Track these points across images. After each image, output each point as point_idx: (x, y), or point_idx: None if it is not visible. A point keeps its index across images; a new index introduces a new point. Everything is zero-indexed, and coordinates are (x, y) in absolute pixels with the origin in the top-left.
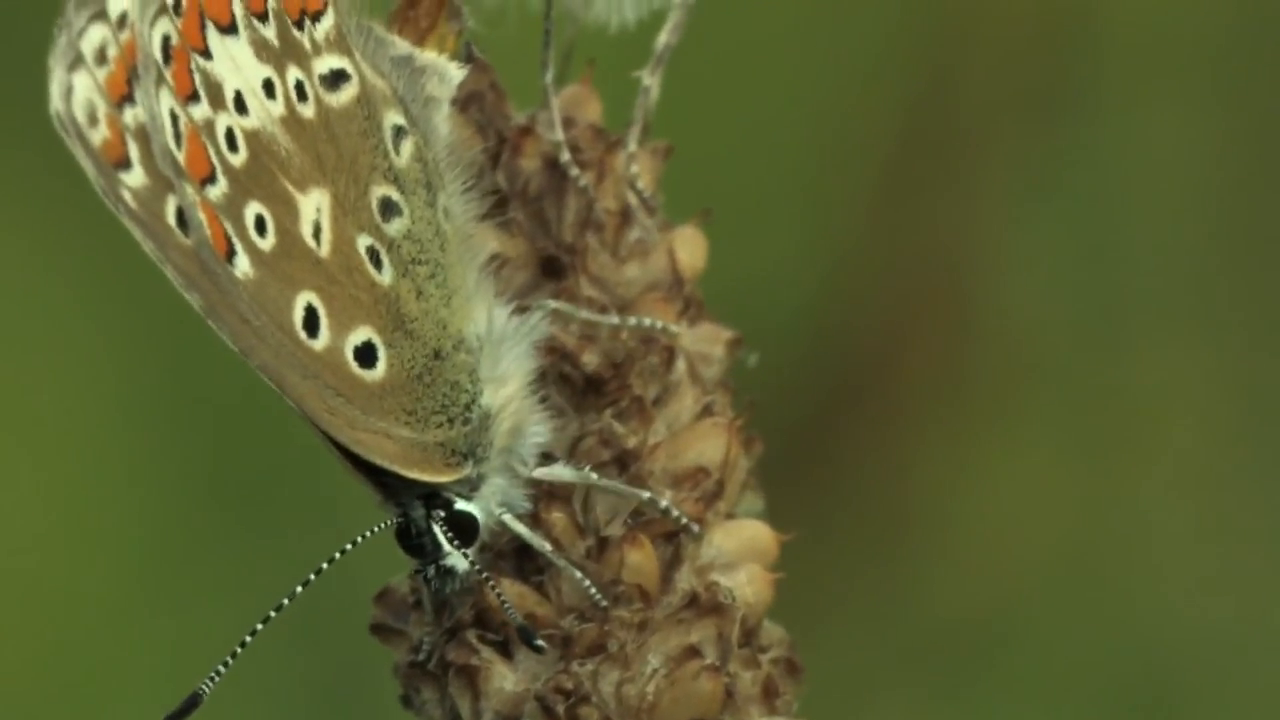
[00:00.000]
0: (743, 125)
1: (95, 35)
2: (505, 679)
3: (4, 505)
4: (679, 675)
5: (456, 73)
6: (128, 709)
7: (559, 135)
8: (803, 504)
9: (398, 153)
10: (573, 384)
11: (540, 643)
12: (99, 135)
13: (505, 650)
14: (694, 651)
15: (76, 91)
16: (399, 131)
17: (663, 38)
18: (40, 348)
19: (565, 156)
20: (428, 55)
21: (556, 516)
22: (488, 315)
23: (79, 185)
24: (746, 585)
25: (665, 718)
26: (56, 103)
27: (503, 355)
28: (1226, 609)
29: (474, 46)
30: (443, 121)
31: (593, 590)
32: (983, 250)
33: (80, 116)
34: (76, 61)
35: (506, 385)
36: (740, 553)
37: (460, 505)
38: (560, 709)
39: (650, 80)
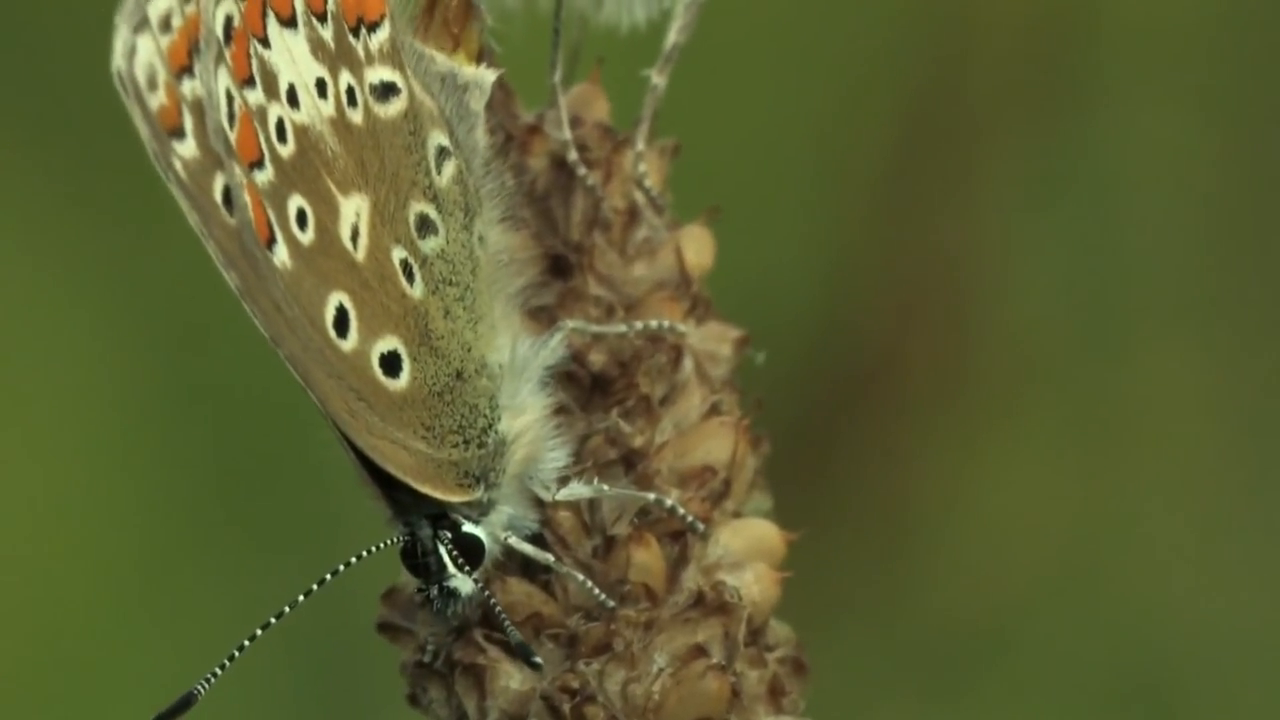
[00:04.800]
0: (744, 123)
1: (161, 2)
2: (511, 678)
3: (2, 509)
4: (685, 674)
5: (490, 79)
6: (124, 712)
7: (566, 134)
8: (803, 503)
9: (439, 173)
10: (580, 383)
11: (538, 660)
12: (157, 100)
13: (511, 649)
14: (700, 651)
15: (139, 53)
16: (442, 152)
17: (671, 37)
18: (40, 352)
19: (573, 155)
20: (468, 71)
21: (563, 515)
22: (512, 345)
23: (76, 187)
24: (753, 584)
25: (671, 717)
26: (119, 60)
27: (523, 385)
28: (1228, 609)
29: (489, 43)
30: (481, 135)
31: (599, 594)
32: (985, 250)
33: (141, 78)
34: (142, 24)
35: (524, 414)
36: (747, 552)
37: (467, 528)
38: (566, 708)
39: (659, 79)
